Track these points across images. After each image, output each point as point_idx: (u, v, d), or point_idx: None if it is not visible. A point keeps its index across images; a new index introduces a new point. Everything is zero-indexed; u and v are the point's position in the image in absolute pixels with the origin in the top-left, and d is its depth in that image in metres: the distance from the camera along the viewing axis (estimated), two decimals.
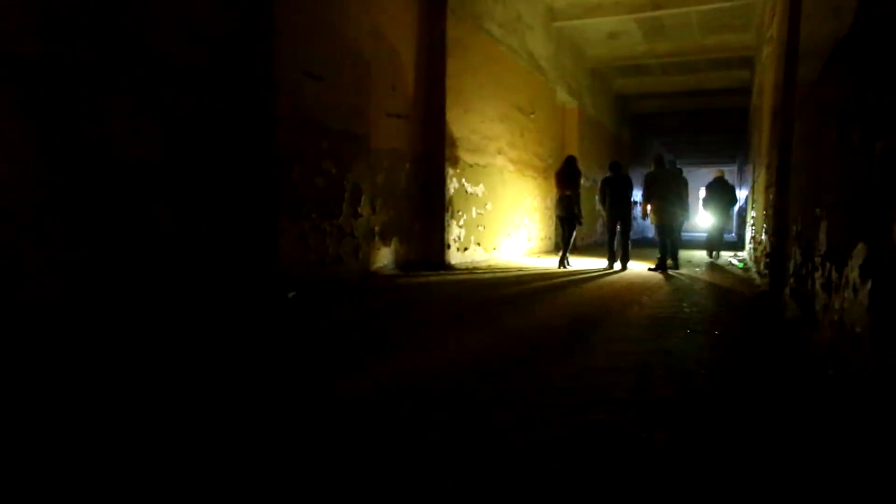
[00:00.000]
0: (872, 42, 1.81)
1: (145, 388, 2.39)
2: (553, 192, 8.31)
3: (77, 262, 3.60)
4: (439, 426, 2.01)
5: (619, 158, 10.60)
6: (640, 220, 19.86)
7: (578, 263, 8.58)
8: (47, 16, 3.41)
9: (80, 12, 3.58)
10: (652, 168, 7.98)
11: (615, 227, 8.00)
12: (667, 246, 7.82)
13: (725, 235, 12.61)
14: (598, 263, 8.57)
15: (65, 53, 3.50)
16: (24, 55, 3.30)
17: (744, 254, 10.28)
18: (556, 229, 11.76)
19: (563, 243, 8.12)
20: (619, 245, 7.99)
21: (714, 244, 10.08)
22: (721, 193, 10.40)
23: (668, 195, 7.61)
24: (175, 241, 4.22)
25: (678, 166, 8.28)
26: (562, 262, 8.01)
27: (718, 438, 1.94)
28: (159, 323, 3.62)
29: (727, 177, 11.45)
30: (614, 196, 7.91)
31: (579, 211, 7.97)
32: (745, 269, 8.26)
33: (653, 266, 7.85)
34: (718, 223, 10.12)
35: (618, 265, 7.96)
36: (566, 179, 7.91)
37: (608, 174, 8.23)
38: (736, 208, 15.23)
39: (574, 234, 8.21)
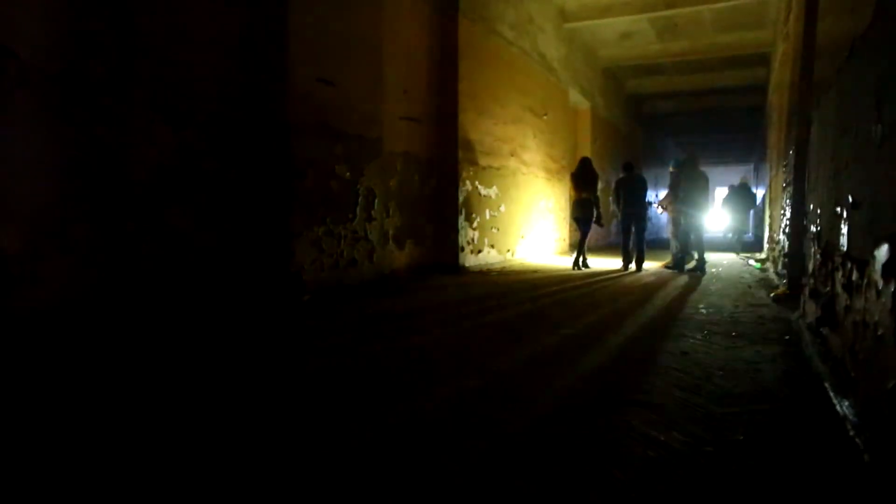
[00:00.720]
0: (893, 37, 1.78)
1: (142, 391, 2.41)
2: (570, 194, 8.28)
3: (97, 267, 3.66)
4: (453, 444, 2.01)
5: (632, 159, 10.54)
6: (653, 221, 19.71)
7: (594, 264, 8.53)
8: (67, 28, 3.48)
9: (97, 24, 3.65)
10: (683, 167, 7.84)
11: (630, 228, 7.95)
12: (687, 246, 7.70)
13: (744, 236, 13.19)
14: (613, 264, 8.52)
15: (84, 65, 3.56)
16: (47, 68, 3.37)
17: (762, 255, 10.18)
18: (570, 230, 11.71)
19: (579, 245, 8.08)
20: (634, 246, 7.93)
21: (733, 245, 10.45)
22: (741, 197, 10.95)
23: (688, 197, 7.50)
24: (191, 245, 4.27)
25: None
26: (576, 264, 7.97)
27: (734, 440, 1.92)
28: (174, 327, 3.66)
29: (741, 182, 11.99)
30: (629, 197, 7.87)
31: (599, 213, 7.94)
32: (763, 269, 8.15)
33: (670, 264, 7.79)
34: (736, 224, 10.54)
35: (633, 266, 7.91)
36: (582, 182, 7.88)
37: (621, 175, 8.19)
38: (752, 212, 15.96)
39: (589, 234, 8.16)
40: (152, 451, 1.81)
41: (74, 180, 3.54)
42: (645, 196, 7.99)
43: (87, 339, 3.27)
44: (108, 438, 1.91)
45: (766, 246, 9.67)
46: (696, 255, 7.66)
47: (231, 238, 4.59)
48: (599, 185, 8.29)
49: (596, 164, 8.72)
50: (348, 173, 5.57)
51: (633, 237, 7.97)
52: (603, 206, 8.56)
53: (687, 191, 7.48)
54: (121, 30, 3.78)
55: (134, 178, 3.88)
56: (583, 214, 7.93)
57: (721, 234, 11.48)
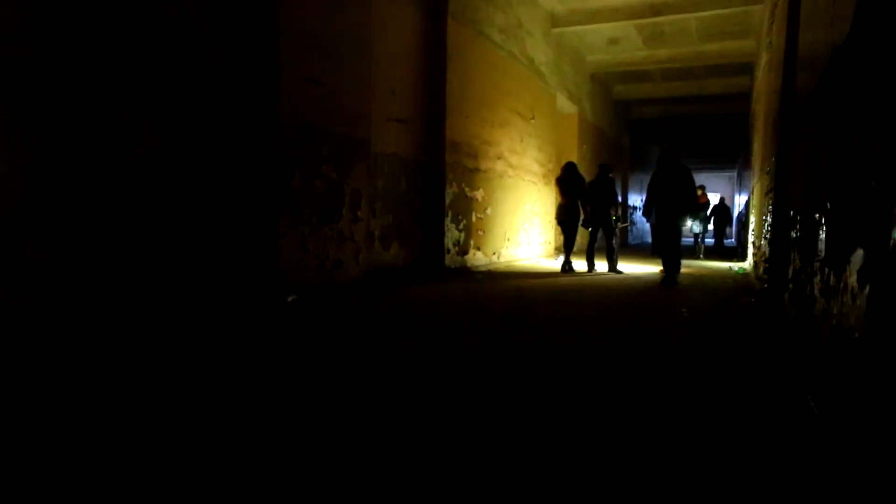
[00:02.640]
0: (868, 51, 1.83)
1: (136, 392, 2.39)
2: (557, 198, 8.33)
3: (77, 265, 3.61)
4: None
5: (618, 164, 10.65)
6: (638, 226, 19.89)
7: (579, 268, 8.60)
8: (46, 20, 3.44)
9: (80, 17, 3.61)
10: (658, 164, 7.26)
11: (597, 231, 8.02)
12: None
13: (725, 241, 14.23)
14: (599, 267, 8.59)
15: (64, 57, 3.52)
16: (21, 57, 3.32)
17: (745, 264, 10.34)
18: (556, 234, 11.79)
19: (566, 249, 8.11)
20: (606, 249, 8.03)
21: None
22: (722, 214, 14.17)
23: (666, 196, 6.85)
24: (175, 243, 4.23)
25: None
26: (564, 267, 8.02)
27: (712, 441, 1.95)
28: (157, 326, 3.62)
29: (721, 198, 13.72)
30: (597, 198, 7.90)
31: (586, 217, 7.99)
32: (745, 274, 8.27)
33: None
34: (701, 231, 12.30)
35: (601, 267, 8.01)
36: (568, 187, 7.93)
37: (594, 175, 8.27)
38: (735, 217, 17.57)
39: (574, 237, 8.19)
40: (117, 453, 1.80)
41: (54, 175, 3.49)
42: (610, 198, 7.92)
43: (64, 337, 3.23)
44: (82, 437, 1.89)
45: (749, 251, 9.81)
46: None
47: (217, 237, 4.56)
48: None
49: (582, 169, 8.80)
50: (335, 174, 5.56)
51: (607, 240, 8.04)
52: None
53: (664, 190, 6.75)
54: (106, 24, 3.74)
55: (116, 175, 3.84)
56: (567, 218, 7.97)
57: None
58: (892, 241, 1.49)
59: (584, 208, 7.92)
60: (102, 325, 3.53)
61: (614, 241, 8.06)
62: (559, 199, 8.10)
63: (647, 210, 7.12)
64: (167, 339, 3.32)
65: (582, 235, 9.38)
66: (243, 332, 3.61)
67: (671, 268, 6.72)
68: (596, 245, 8.21)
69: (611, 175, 8.06)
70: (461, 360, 3.02)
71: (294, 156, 5.04)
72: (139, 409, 2.17)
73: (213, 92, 4.53)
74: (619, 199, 8.25)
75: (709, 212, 15.29)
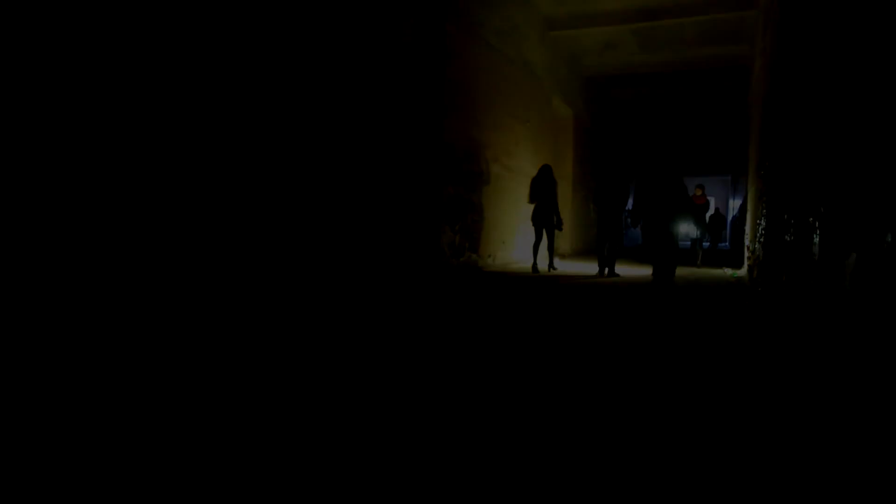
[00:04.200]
0: (861, 59, 1.84)
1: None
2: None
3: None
4: None
5: (612, 167, 10.66)
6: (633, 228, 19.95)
7: (566, 267, 8.61)
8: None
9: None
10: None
11: (607, 231, 8.02)
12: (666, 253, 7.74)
13: (719, 245, 14.44)
14: (588, 268, 8.61)
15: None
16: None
17: (740, 270, 10.38)
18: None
19: (549, 250, 8.19)
20: (609, 250, 8.05)
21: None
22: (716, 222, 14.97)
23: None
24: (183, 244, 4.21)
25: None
26: (536, 268, 8.21)
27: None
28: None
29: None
30: (608, 199, 7.93)
31: (559, 218, 8.14)
32: (740, 278, 8.30)
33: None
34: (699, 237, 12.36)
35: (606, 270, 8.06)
36: (541, 189, 8.00)
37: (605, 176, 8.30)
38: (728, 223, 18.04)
39: (553, 239, 8.25)
40: None
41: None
42: (622, 201, 7.99)
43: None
44: None
45: (745, 255, 9.85)
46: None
47: (204, 239, 4.54)
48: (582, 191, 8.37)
49: (578, 171, 8.81)
50: None
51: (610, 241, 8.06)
52: (582, 211, 8.62)
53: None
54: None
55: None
56: (540, 219, 8.07)
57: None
58: (885, 245, 1.49)
59: (555, 211, 8.07)
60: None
61: (616, 248, 8.10)
62: (532, 200, 8.18)
63: (636, 219, 7.14)
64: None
65: (558, 237, 9.43)
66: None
67: (663, 273, 6.71)
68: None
69: (627, 180, 8.15)
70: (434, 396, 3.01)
71: (290, 155, 5.03)
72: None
73: (211, 90, 4.51)
74: (630, 205, 8.32)
75: (708, 214, 15.28)
